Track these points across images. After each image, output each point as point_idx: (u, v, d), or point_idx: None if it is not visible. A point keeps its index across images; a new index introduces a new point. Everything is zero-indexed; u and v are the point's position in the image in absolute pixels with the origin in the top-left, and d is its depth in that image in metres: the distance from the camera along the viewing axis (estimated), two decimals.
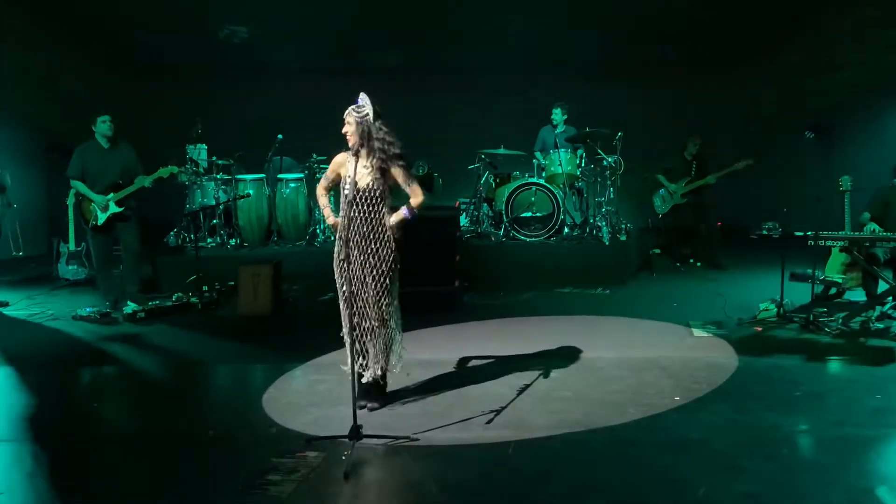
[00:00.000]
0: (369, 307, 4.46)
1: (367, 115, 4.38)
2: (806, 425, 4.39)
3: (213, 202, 9.47)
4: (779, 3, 10.58)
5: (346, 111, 4.42)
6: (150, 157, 8.14)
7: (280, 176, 9.69)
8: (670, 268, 9.59)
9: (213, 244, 9.58)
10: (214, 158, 9.90)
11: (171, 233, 9.94)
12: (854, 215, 6.86)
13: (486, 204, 10.05)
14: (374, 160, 4.42)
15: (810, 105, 11.74)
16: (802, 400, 4.74)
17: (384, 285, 4.46)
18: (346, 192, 4.37)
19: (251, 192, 9.37)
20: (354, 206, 4.40)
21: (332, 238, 4.69)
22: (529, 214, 9.17)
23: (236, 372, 5.92)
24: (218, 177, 9.71)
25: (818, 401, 4.72)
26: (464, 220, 9.92)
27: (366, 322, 4.48)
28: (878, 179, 7.25)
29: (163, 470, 3.97)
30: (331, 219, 4.62)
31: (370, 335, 4.48)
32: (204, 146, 10.15)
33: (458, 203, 10.18)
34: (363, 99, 4.42)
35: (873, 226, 6.73)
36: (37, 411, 4.83)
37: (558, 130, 9.98)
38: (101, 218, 7.64)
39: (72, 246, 9.22)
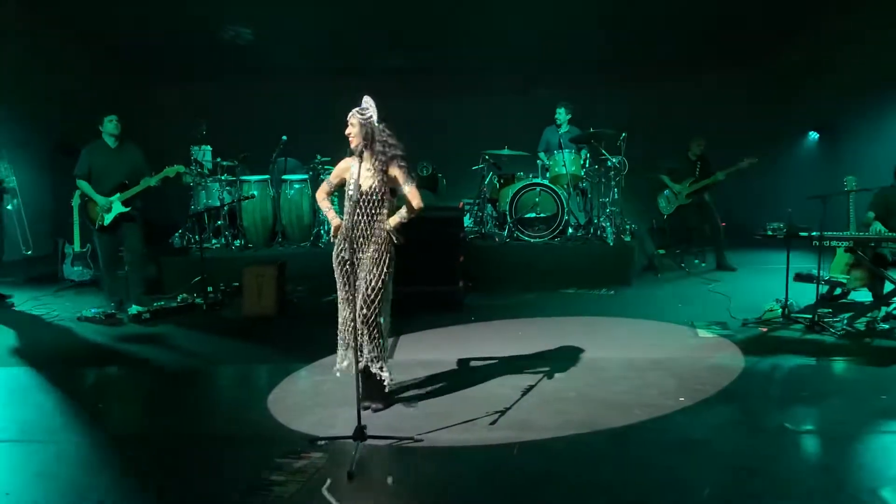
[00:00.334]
0: (363, 307, 4.45)
1: (371, 117, 4.41)
2: (811, 426, 4.39)
3: (218, 203, 9.50)
4: (783, 2, 10.55)
5: (350, 113, 4.45)
6: (155, 159, 8.15)
7: (284, 177, 9.73)
8: (675, 268, 9.58)
9: (218, 245, 9.60)
10: (219, 160, 9.93)
11: (176, 234, 9.95)
12: (859, 215, 6.85)
13: (489, 205, 10.05)
14: (377, 162, 4.44)
15: (814, 105, 11.72)
16: (807, 401, 4.73)
17: (378, 288, 4.46)
18: (351, 193, 4.38)
19: (255, 193, 9.39)
20: (358, 208, 4.42)
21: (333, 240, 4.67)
22: (533, 215, 9.16)
23: (241, 373, 5.92)
24: (222, 178, 9.74)
25: (823, 401, 4.72)
26: (468, 221, 9.93)
27: (359, 321, 4.47)
28: (882, 179, 7.23)
29: (167, 470, 3.97)
30: (336, 220, 4.63)
31: (362, 334, 4.47)
32: (209, 147, 10.19)
33: (461, 204, 10.16)
34: (367, 101, 4.45)
35: (878, 226, 6.71)
36: (42, 412, 4.83)
37: (562, 131, 9.97)
38: (108, 218, 7.66)
39: (77, 247, 9.24)
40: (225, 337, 6.87)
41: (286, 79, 12.36)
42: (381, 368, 4.53)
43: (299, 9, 10.38)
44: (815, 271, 6.60)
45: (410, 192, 4.51)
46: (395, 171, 4.49)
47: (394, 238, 4.51)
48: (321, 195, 4.76)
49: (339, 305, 4.57)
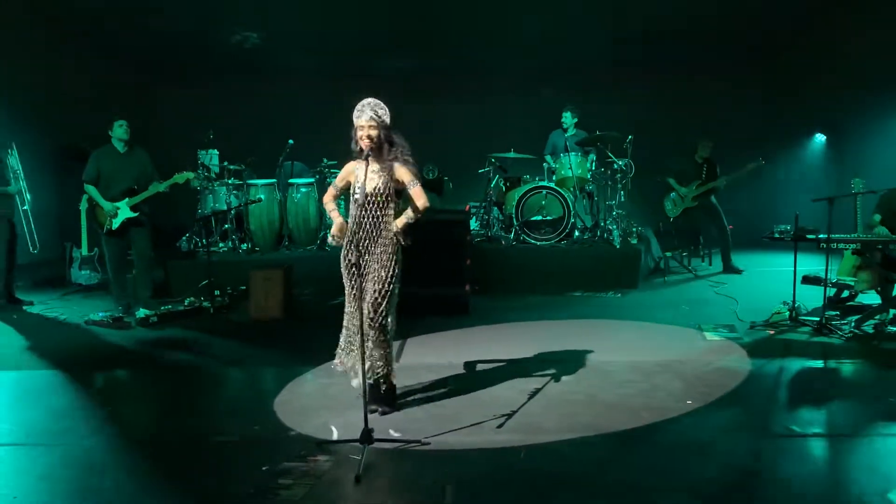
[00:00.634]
0: (370, 310, 4.45)
1: (385, 120, 4.41)
2: (819, 429, 4.37)
3: (225, 207, 9.52)
4: (789, 6, 10.54)
5: (364, 115, 4.37)
6: (162, 162, 8.18)
7: (291, 181, 9.75)
8: (682, 271, 9.56)
9: (225, 249, 9.63)
10: (226, 163, 9.96)
11: (184, 237, 9.99)
12: (865, 217, 6.82)
13: (496, 208, 10.05)
14: (385, 163, 4.44)
15: (820, 107, 11.68)
16: (815, 403, 4.72)
17: (386, 290, 4.46)
18: (357, 195, 4.38)
19: (262, 196, 9.42)
20: (364, 210, 4.42)
21: (333, 244, 4.67)
22: (540, 218, 9.15)
23: (248, 375, 5.94)
24: (229, 182, 9.76)
25: (831, 404, 4.71)
26: (474, 224, 9.93)
27: (366, 324, 4.47)
28: (889, 181, 7.20)
29: (174, 473, 3.98)
30: (339, 219, 4.56)
31: (369, 338, 4.47)
32: (215, 151, 10.24)
33: (468, 207, 10.18)
34: (379, 103, 4.42)
35: (883, 229, 6.68)
36: (49, 415, 4.85)
37: (569, 134, 9.97)
38: (116, 223, 7.69)
39: (84, 251, 9.28)
40: (232, 340, 6.88)
41: (292, 82, 12.38)
42: (388, 375, 4.53)
43: (305, 12, 10.41)
44: (822, 274, 6.58)
45: (416, 192, 4.50)
46: (401, 172, 4.49)
47: (401, 240, 4.51)
48: (328, 199, 4.75)
49: (346, 308, 4.58)
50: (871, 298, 6.99)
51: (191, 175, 8.13)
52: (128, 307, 7.81)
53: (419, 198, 4.50)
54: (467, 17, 10.87)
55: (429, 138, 10.08)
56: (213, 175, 9.82)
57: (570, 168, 9.36)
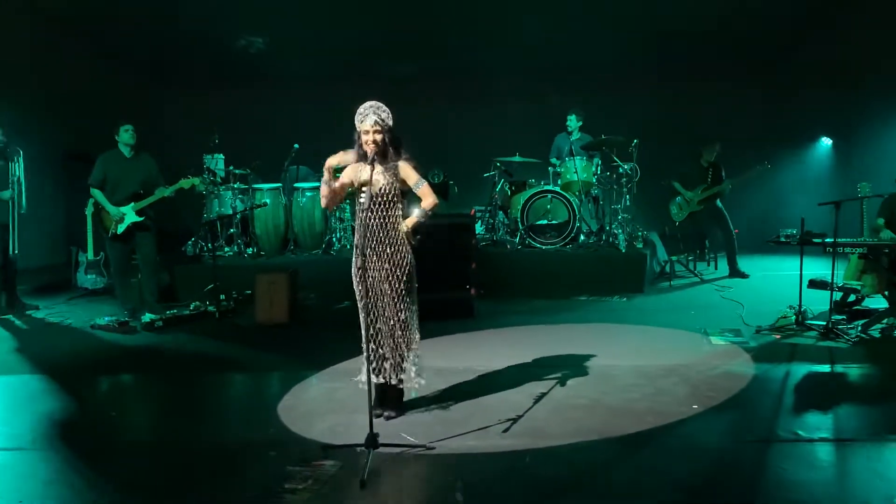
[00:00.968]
0: (388, 312, 4.46)
1: (389, 123, 4.41)
2: (825, 433, 4.35)
3: (231, 211, 9.55)
4: (796, 9, 10.52)
5: (365, 118, 4.38)
6: (167, 167, 8.20)
7: (296, 185, 9.78)
8: (687, 275, 9.54)
9: (231, 253, 9.66)
10: (231, 168, 9.98)
11: (189, 242, 10.02)
12: (871, 221, 6.79)
13: (501, 212, 10.05)
14: (390, 165, 4.45)
15: (826, 111, 11.66)
16: (821, 408, 4.69)
17: (401, 290, 4.46)
18: (363, 199, 4.38)
19: (268, 201, 9.45)
20: (370, 212, 4.42)
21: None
22: (545, 222, 9.15)
23: (253, 380, 5.94)
24: (235, 186, 9.79)
25: (837, 409, 4.68)
26: (479, 228, 9.94)
27: (385, 327, 4.48)
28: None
29: (179, 477, 3.99)
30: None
31: (389, 340, 4.48)
32: (221, 156, 10.27)
33: (473, 211, 10.17)
34: (382, 107, 4.42)
35: (889, 233, 6.66)
36: (55, 420, 4.85)
37: (574, 137, 9.97)
38: (121, 227, 7.70)
39: (90, 255, 9.30)
40: (237, 344, 6.89)
41: (297, 87, 12.41)
42: (415, 373, 4.55)
43: (310, 17, 10.44)
44: (828, 278, 6.55)
45: (423, 190, 4.51)
46: (406, 172, 4.50)
47: (410, 239, 4.51)
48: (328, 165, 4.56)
49: (361, 317, 4.53)
50: (878, 303, 6.97)
51: (196, 181, 8.12)
52: (133, 311, 7.81)
53: (428, 196, 4.51)
54: (471, 21, 10.90)
55: (434, 142, 10.09)
56: (219, 179, 9.85)
57: (576, 172, 9.36)
